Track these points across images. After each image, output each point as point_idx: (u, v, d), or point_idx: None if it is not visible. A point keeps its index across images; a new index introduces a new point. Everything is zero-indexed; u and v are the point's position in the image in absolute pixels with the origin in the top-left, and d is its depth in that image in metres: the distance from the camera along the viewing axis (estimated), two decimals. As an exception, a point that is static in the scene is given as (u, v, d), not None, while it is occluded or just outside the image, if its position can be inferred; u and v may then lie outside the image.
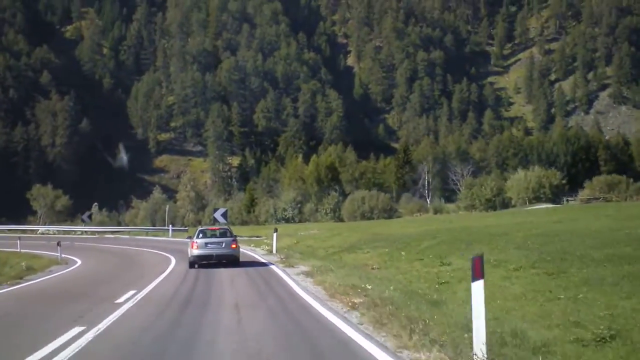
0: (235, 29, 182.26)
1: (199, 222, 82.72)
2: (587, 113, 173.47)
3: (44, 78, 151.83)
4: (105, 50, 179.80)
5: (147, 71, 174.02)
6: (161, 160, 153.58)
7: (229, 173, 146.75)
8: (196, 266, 24.28)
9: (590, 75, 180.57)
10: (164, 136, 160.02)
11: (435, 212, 71.10)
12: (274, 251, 30.52)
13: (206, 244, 25.08)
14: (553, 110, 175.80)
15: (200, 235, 25.66)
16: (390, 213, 67.43)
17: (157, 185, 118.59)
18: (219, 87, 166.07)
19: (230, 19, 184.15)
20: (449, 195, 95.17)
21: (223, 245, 25.19)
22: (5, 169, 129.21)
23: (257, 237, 43.60)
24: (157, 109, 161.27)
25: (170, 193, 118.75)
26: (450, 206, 79.05)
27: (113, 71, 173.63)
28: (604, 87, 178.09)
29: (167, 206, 67.90)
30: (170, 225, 60.92)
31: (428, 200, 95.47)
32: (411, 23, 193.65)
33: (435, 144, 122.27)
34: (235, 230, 51.92)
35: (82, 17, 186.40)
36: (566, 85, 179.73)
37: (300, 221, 68.39)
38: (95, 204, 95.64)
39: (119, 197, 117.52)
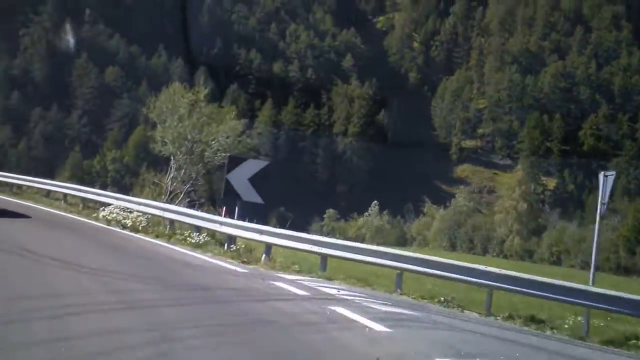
0: (566, 30, 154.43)
1: (530, 256, 58.99)
2: None
3: (346, 62, 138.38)
4: (415, 44, 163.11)
5: (457, 70, 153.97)
6: (462, 170, 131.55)
7: (541, 196, 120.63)
8: None
9: None
10: (468, 143, 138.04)
11: None
12: None
13: None
14: None
15: None
16: None
17: (460, 187, 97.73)
18: (539, 94, 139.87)
19: (562, 19, 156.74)
20: None
21: None
22: (294, 155, 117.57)
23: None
24: (465, 111, 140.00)
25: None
26: None
27: (421, 66, 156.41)
28: None
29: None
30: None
31: None
32: None
33: None
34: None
35: (395, 9, 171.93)
36: None
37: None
38: (375, 202, 78.14)
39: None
